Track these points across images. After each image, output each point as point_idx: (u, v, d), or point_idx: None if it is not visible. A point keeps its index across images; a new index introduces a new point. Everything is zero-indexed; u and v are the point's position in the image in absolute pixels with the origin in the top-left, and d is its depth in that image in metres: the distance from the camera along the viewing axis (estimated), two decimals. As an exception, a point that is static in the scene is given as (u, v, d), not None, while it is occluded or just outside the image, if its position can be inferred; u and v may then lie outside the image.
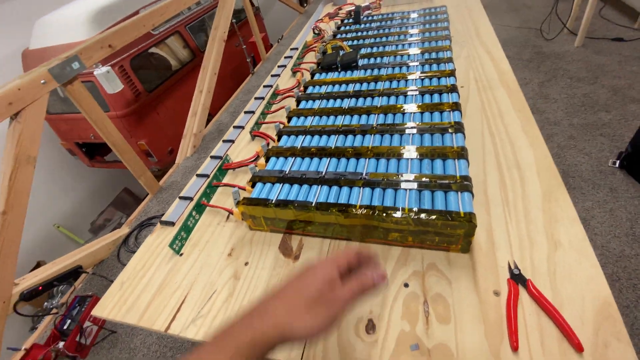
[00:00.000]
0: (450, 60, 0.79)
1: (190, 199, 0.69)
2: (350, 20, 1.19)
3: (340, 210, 0.48)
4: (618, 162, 1.49)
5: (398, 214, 0.46)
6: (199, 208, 0.66)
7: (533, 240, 0.48)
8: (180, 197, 0.71)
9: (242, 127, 0.89)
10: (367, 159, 0.57)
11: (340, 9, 1.56)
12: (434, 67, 0.78)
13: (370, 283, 0.31)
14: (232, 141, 0.84)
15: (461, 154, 0.53)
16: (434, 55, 0.83)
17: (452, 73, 0.73)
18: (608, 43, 2.34)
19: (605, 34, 2.42)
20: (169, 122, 3.10)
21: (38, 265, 2.97)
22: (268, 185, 0.57)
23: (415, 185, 0.49)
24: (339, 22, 1.20)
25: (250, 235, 0.59)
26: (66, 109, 2.85)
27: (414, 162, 0.53)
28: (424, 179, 0.50)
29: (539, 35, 2.60)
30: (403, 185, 0.50)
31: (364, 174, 0.53)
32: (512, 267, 0.45)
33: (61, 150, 3.33)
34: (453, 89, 0.68)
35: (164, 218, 0.67)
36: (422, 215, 0.45)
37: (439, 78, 0.73)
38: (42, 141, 1.35)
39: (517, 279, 0.44)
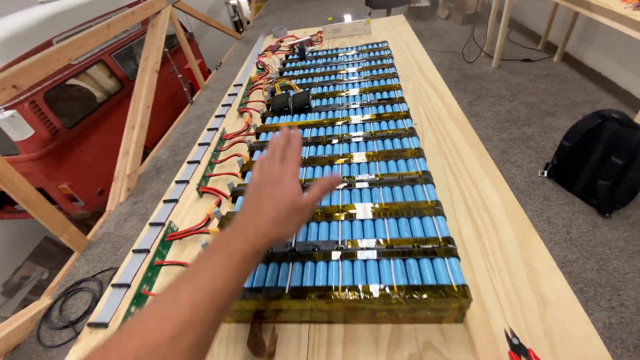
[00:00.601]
0: (402, 100, 0.78)
1: (127, 285, 0.57)
2: (295, 57, 1.15)
3: (321, 296, 0.41)
4: (546, 172, 1.66)
5: (386, 293, 0.40)
6: (140, 298, 0.53)
7: (522, 298, 0.46)
8: (114, 285, 0.57)
9: (187, 182, 0.78)
10: (339, 222, 0.51)
11: (281, 41, 1.53)
12: (388, 108, 0.77)
13: (329, 185, 0.40)
14: (176, 200, 0.73)
15: (437, 209, 0.49)
16: (385, 94, 0.82)
17: (407, 115, 0.72)
18: (519, 64, 2.66)
19: (515, 56, 2.76)
20: (96, 160, 2.76)
21: None
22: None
23: (398, 254, 0.44)
24: (284, 58, 1.16)
25: (209, 329, 0.49)
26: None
27: (390, 224, 0.49)
28: (406, 246, 0.45)
29: (462, 58, 2.87)
30: (384, 254, 0.45)
31: (339, 243, 0.47)
32: (510, 335, 0.42)
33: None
34: (412, 132, 0.67)
35: (92, 319, 0.53)
36: (414, 294, 0.40)
37: (395, 120, 0.72)
38: None
39: (517, 350, 0.40)
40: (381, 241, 0.46)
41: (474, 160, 0.68)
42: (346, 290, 0.42)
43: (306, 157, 0.66)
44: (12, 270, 3.17)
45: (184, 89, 2.98)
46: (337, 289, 0.42)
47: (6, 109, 1.38)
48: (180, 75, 2.90)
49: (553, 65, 2.60)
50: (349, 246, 0.46)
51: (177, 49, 3.74)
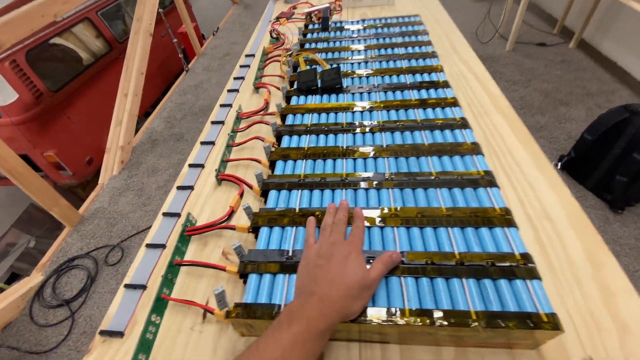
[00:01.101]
0: (447, 84, 0.70)
1: (143, 287, 0.50)
2: (316, 26, 1.04)
3: (385, 321, 0.35)
4: (560, 164, 1.62)
5: (463, 320, 0.34)
6: (160, 304, 0.47)
7: (598, 322, 0.41)
8: (127, 286, 0.50)
9: (202, 166, 0.69)
10: (394, 228, 0.44)
11: (294, 7, 1.39)
12: (432, 92, 0.68)
13: (391, 262, 0.39)
14: (191, 187, 0.65)
15: (508, 219, 0.43)
16: (426, 77, 0.73)
17: (455, 102, 0.65)
18: (534, 47, 2.56)
19: (530, 39, 2.65)
20: (84, 127, 2.61)
21: None
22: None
23: (470, 272, 0.38)
24: (303, 27, 1.04)
25: (243, 345, 0.43)
26: None
27: (455, 234, 0.43)
28: (479, 262, 0.39)
29: (475, 38, 2.74)
30: (453, 271, 0.39)
31: (404, 259, 0.40)
32: (594, 368, 0.37)
33: None
34: (464, 123, 0.59)
35: (105, 326, 0.46)
36: (496, 323, 0.34)
37: (443, 108, 0.64)
38: None
39: (603, 386, 0.36)
40: (449, 255, 0.40)
41: (527, 159, 0.61)
42: (414, 316, 0.36)
43: (343, 147, 0.58)
44: (-4, 237, 3.06)
45: (179, 55, 2.77)
46: (402, 312, 0.36)
47: (-16, 68, 1.23)
48: (175, 40, 2.69)
49: (568, 51, 2.51)
50: (412, 260, 0.40)
51: (169, 10, 3.45)
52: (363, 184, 0.50)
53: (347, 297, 0.34)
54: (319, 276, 0.36)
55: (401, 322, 0.35)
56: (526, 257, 0.39)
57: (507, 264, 0.39)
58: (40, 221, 3.35)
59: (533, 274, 0.38)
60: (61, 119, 2.42)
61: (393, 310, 0.36)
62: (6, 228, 3.13)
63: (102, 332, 0.45)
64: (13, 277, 3.01)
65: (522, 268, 0.38)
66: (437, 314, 0.35)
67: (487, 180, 0.48)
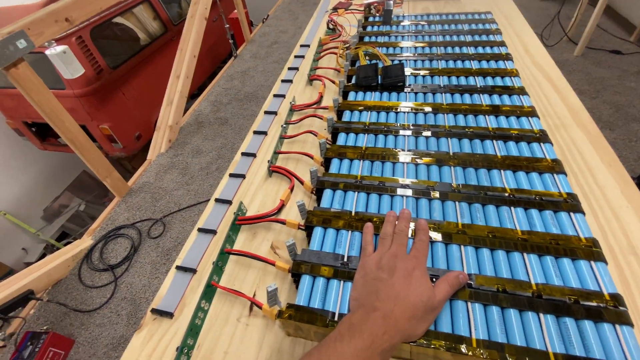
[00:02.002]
0: (523, 91, 0.64)
1: (193, 271, 0.50)
2: (377, 19, 0.99)
3: (449, 348, 0.33)
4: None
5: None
6: (210, 291, 0.47)
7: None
8: (178, 268, 0.51)
9: (254, 155, 0.69)
10: (461, 246, 0.41)
11: (352, -2, 1.35)
12: (505, 99, 0.63)
13: (457, 284, 0.36)
14: (243, 176, 0.65)
15: (596, 252, 0.38)
16: (499, 81, 0.67)
17: (532, 112, 0.59)
18: (606, 55, 2.32)
19: (603, 45, 2.40)
20: (136, 104, 2.75)
21: (-19, 259, 2.58)
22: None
23: (549, 307, 0.34)
24: (362, 20, 1.00)
25: (288, 346, 0.42)
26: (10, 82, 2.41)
27: (532, 260, 0.38)
28: (560, 297, 0.35)
29: (540, 39, 2.53)
30: (529, 304, 0.35)
31: (472, 282, 0.37)
32: None
33: (7, 130, 2.87)
34: (544, 137, 0.53)
35: (156, 304, 0.47)
36: (581, 371, 0.30)
37: (517, 117, 0.58)
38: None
39: None
40: (524, 285, 0.36)
41: (612, 184, 0.54)
42: (481, 345, 0.33)
43: (404, 150, 0.55)
44: (52, 197, 3.35)
45: (230, 41, 2.82)
46: (470, 342, 0.33)
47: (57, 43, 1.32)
48: (227, 25, 2.74)
49: (647, 61, 2.25)
50: (482, 284, 0.36)
51: (221, -4, 3.53)
52: (426, 193, 0.47)
53: (412, 317, 0.32)
54: (381, 290, 0.34)
55: (466, 352, 0.32)
56: (616, 299, 0.35)
57: (594, 303, 0.34)
58: (90, 187, 3.62)
59: (625, 319, 0.33)
60: (117, 94, 2.57)
61: (458, 337, 0.33)
62: (60, 190, 3.42)
63: (154, 310, 0.46)
64: (63, 236, 3.30)
65: (611, 310, 0.34)
66: (509, 350, 0.32)
67: (571, 204, 0.43)
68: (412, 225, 0.42)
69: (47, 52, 1.26)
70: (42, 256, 2.92)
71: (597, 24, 2.63)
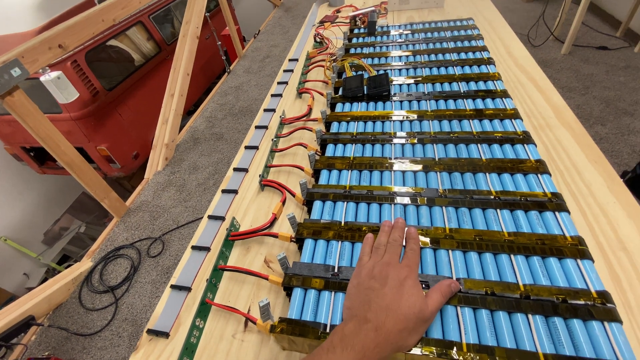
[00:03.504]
0: (506, 94, 0.65)
1: (188, 289, 0.51)
2: (362, 31, 1.02)
3: (440, 354, 0.33)
4: (622, 181, 1.46)
5: (529, 364, 0.31)
6: (204, 309, 0.47)
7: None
8: (173, 287, 0.51)
9: (246, 170, 0.70)
10: (449, 251, 0.41)
11: (338, 11, 1.38)
12: (488, 102, 0.64)
13: (450, 292, 0.36)
14: (235, 191, 0.66)
15: (582, 250, 0.39)
16: (482, 85, 0.69)
17: (515, 113, 0.60)
18: (593, 51, 2.35)
19: (589, 42, 2.44)
20: (132, 124, 2.78)
21: (-18, 285, 2.57)
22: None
23: (537, 308, 0.34)
24: (348, 32, 1.03)
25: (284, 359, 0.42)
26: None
27: (519, 262, 0.39)
28: (547, 297, 0.35)
29: (526, 41, 2.57)
30: (517, 305, 0.35)
31: (462, 287, 0.37)
32: None
33: (5, 155, 2.90)
34: (527, 138, 0.54)
35: (152, 325, 0.47)
36: (571, 371, 0.30)
37: (501, 119, 0.59)
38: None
39: None
40: (512, 287, 0.36)
41: (600, 181, 0.55)
42: (471, 349, 0.33)
43: (391, 158, 0.56)
44: (52, 221, 3.35)
45: (223, 57, 2.87)
46: (460, 346, 0.33)
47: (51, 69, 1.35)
48: (219, 42, 2.79)
49: (633, 56, 2.28)
50: (470, 288, 0.37)
51: (213, 13, 3.60)
52: (413, 200, 0.48)
53: (403, 329, 0.32)
54: (373, 300, 0.34)
55: (457, 357, 0.32)
56: (604, 296, 0.35)
57: (582, 302, 0.34)
58: (90, 208, 3.63)
59: (613, 316, 0.34)
60: (113, 115, 2.60)
61: (448, 342, 0.33)
62: (60, 213, 3.42)
63: (150, 331, 0.47)
64: (64, 259, 3.29)
65: (599, 308, 0.34)
66: (500, 352, 0.32)
67: (556, 203, 0.44)
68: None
69: (42, 78, 1.28)
70: (44, 280, 2.90)
71: (582, 21, 2.68)
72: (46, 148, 1.31)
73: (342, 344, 0.30)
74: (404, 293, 0.34)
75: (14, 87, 1.15)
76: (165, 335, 0.46)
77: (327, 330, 0.36)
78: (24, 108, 1.19)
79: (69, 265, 2.84)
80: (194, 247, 0.56)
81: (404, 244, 0.41)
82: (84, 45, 2.36)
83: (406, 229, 0.42)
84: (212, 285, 0.49)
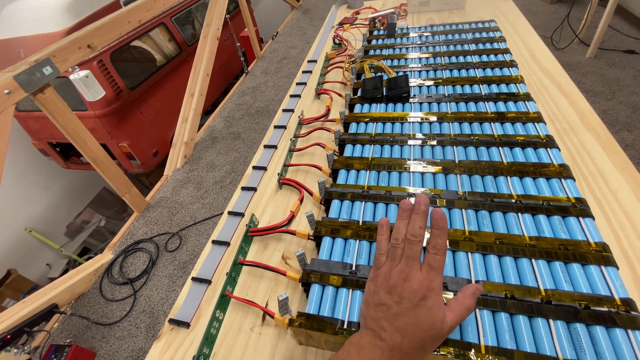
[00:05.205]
0: (529, 97, 0.64)
1: (208, 282, 0.52)
2: (382, 32, 1.02)
3: (457, 355, 0.33)
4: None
5: (549, 369, 0.31)
6: (224, 301, 0.49)
7: None
8: (194, 279, 0.53)
9: (265, 169, 0.71)
10: (468, 253, 0.41)
11: (357, 13, 1.39)
12: (510, 105, 0.63)
13: (473, 304, 0.33)
14: (254, 189, 0.67)
15: (607, 257, 0.38)
16: (504, 88, 0.68)
17: (539, 117, 0.59)
18: (620, 55, 2.27)
19: (616, 46, 2.35)
20: (153, 122, 2.86)
21: (8, 274, 2.69)
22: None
23: (559, 313, 0.34)
24: (367, 34, 1.03)
25: (300, 354, 0.43)
26: (37, 106, 2.56)
27: (540, 265, 0.38)
28: (569, 303, 0.35)
29: (549, 43, 2.51)
30: (538, 310, 0.35)
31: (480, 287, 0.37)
32: None
33: (33, 150, 3.03)
34: (550, 142, 0.54)
35: (173, 314, 0.49)
36: (592, 378, 0.30)
37: (523, 123, 0.58)
38: (11, 140, 1.15)
39: None
40: (533, 291, 0.36)
41: (625, 187, 0.54)
42: (490, 352, 0.33)
43: (410, 159, 0.56)
44: (74, 214, 3.48)
45: (241, 58, 2.92)
46: (479, 348, 0.33)
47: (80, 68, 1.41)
48: (238, 44, 2.84)
49: (664, 60, 2.19)
50: (490, 291, 0.37)
51: (232, 15, 3.67)
52: (432, 202, 0.48)
53: (419, 349, 0.31)
54: (387, 319, 0.31)
55: (475, 358, 0.32)
56: (628, 304, 0.34)
57: (605, 308, 0.34)
58: (110, 203, 3.75)
59: (637, 324, 0.33)
60: (135, 114, 2.68)
61: (466, 344, 0.33)
62: (82, 207, 3.55)
63: (171, 321, 0.48)
64: (84, 251, 3.41)
65: (623, 316, 0.33)
66: (519, 356, 0.32)
67: (580, 209, 0.43)
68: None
69: (71, 77, 1.34)
70: (65, 271, 3.02)
71: (608, 24, 2.59)
72: (74, 144, 1.36)
73: (360, 357, 0.30)
74: (420, 315, 0.31)
75: (45, 85, 1.20)
76: (187, 325, 0.48)
77: (345, 326, 0.37)
78: (54, 105, 1.25)
79: (89, 258, 2.95)
80: (214, 242, 0.58)
81: (426, 234, 0.37)
82: (110, 46, 2.45)
83: (432, 213, 0.33)
84: (232, 278, 0.51)
